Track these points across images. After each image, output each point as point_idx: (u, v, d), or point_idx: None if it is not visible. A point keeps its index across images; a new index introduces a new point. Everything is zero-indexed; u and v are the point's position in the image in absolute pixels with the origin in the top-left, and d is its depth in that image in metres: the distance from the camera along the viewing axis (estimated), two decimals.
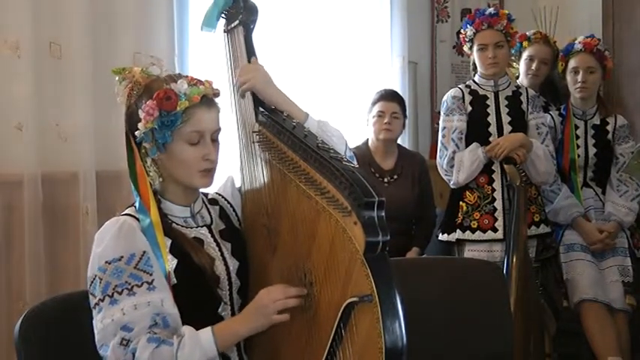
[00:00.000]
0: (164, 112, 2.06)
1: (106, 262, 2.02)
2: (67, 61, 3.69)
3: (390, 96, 4.37)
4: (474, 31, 4.06)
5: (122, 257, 2.02)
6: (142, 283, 2.01)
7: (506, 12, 4.13)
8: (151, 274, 2.03)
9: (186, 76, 2.15)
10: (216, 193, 2.40)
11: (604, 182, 4.38)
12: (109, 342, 1.98)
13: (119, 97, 2.17)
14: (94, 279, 2.03)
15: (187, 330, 2.01)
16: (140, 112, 2.07)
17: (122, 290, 1.99)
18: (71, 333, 2.25)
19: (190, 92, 2.08)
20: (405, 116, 4.39)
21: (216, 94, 2.19)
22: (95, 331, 2.02)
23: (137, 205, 2.12)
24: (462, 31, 4.18)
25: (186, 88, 2.08)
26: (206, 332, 2.01)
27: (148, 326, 1.98)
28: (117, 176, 3.64)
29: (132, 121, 2.13)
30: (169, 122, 2.07)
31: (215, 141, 2.18)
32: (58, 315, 2.29)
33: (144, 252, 2.04)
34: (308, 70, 4.83)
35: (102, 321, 1.99)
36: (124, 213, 2.15)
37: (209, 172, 2.17)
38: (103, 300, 2.00)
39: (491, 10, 4.10)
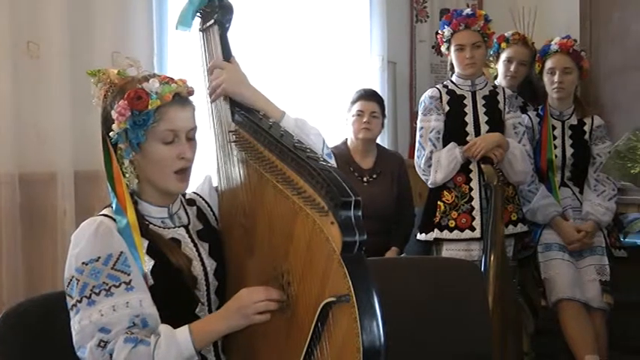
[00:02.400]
0: (136, 112, 2.05)
1: (83, 263, 2.01)
2: (45, 60, 3.68)
3: (369, 95, 4.38)
4: (451, 31, 4.08)
5: (99, 258, 2.02)
6: (120, 284, 2.00)
7: (484, 12, 4.14)
8: (128, 275, 2.02)
9: (159, 75, 2.15)
10: (194, 192, 2.39)
11: (581, 182, 4.40)
12: (86, 344, 1.97)
13: (95, 98, 2.17)
14: (71, 280, 2.03)
15: (164, 329, 2.01)
16: (113, 112, 2.07)
17: (100, 291, 1.99)
18: (49, 333, 2.24)
19: (162, 91, 2.08)
20: (384, 116, 4.40)
21: (190, 92, 2.19)
22: (73, 333, 2.01)
23: (114, 206, 2.11)
24: (439, 31, 4.19)
25: (158, 87, 2.08)
26: (183, 331, 2.01)
27: (126, 327, 1.98)
28: (95, 176, 3.63)
29: (107, 122, 2.12)
30: (141, 122, 2.06)
31: (191, 140, 2.17)
32: (36, 315, 2.28)
33: (121, 252, 2.04)
34: (287, 70, 4.83)
35: (80, 322, 1.99)
36: (100, 214, 2.14)
37: (184, 174, 2.17)
38: (80, 301, 1.99)
39: (468, 10, 4.12)
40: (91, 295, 1.99)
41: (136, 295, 2.02)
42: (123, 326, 1.97)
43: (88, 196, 3.73)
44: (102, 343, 1.96)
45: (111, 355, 1.94)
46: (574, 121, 4.42)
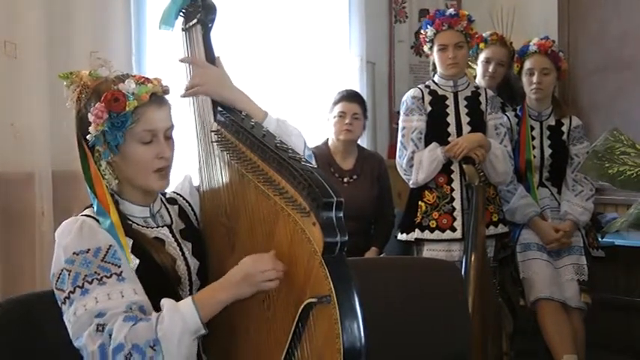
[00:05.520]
0: (113, 114, 2.04)
1: (74, 253, 2.00)
2: (23, 60, 3.64)
3: (351, 97, 4.38)
4: (434, 31, 4.08)
5: (89, 250, 2.01)
6: (111, 275, 1.99)
7: (466, 13, 4.14)
8: (119, 266, 2.01)
9: (134, 76, 2.13)
10: (174, 192, 2.39)
11: (559, 182, 4.42)
12: (84, 332, 1.93)
13: (69, 101, 2.15)
14: (62, 273, 2.01)
15: (166, 302, 1.98)
16: (89, 115, 2.06)
17: (92, 280, 1.97)
18: (27, 334, 2.23)
19: (138, 91, 2.07)
20: (365, 117, 4.40)
21: (166, 91, 2.17)
22: (68, 326, 1.98)
23: (95, 207, 2.10)
24: (421, 31, 4.18)
25: (134, 88, 2.07)
26: (187, 303, 1.98)
27: (123, 311, 1.95)
28: (74, 176, 3.57)
29: (83, 125, 2.10)
30: (119, 123, 2.05)
31: (169, 138, 2.17)
32: (14, 316, 2.26)
33: (110, 246, 2.03)
34: (267, 70, 4.82)
35: (75, 313, 1.96)
36: (82, 214, 2.12)
37: (165, 173, 2.16)
38: (73, 292, 1.97)
39: (451, 10, 4.13)
40: (83, 284, 1.96)
41: (129, 284, 2.00)
42: (120, 310, 1.94)
43: (66, 196, 3.69)
44: (100, 327, 1.92)
45: (110, 336, 1.91)
46: (552, 121, 4.44)
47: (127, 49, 4.01)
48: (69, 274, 1.99)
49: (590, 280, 4.24)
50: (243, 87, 2.32)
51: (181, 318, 1.94)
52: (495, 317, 4.11)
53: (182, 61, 2.36)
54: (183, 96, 2.31)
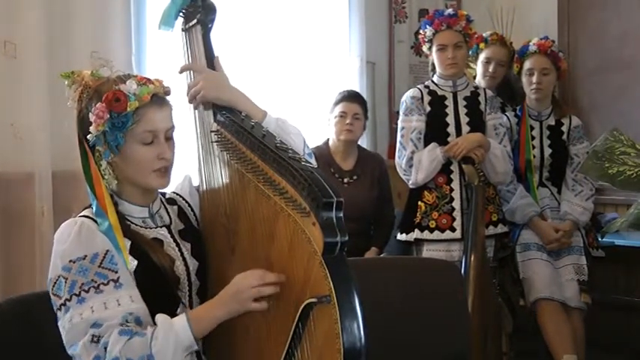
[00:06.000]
0: (114, 114, 2.04)
1: (71, 260, 2.00)
2: (23, 60, 3.64)
3: (352, 97, 4.38)
4: (433, 31, 4.08)
5: (86, 256, 2.01)
6: (109, 282, 1.99)
7: (465, 13, 4.15)
8: (116, 272, 2.01)
9: (136, 76, 2.13)
10: (174, 192, 2.38)
11: (559, 182, 4.42)
12: (78, 341, 1.95)
13: (70, 101, 2.15)
14: (58, 279, 2.01)
15: (161, 318, 1.99)
16: (90, 115, 2.05)
17: (89, 289, 1.97)
18: (27, 334, 2.23)
19: (140, 92, 2.06)
20: (366, 117, 4.40)
21: (167, 92, 2.17)
22: (63, 332, 1.99)
23: (94, 208, 2.09)
24: (420, 31, 4.19)
25: (136, 88, 2.06)
26: (181, 320, 1.99)
27: (119, 323, 1.96)
28: (73, 177, 3.58)
29: (84, 124, 2.10)
30: (120, 124, 2.05)
31: (170, 139, 2.16)
32: (14, 316, 2.27)
33: (107, 250, 2.03)
34: (267, 70, 4.82)
35: (70, 320, 1.96)
36: (81, 215, 2.12)
37: (165, 172, 2.16)
38: (70, 299, 1.97)
39: (450, 10, 4.13)
40: (80, 292, 1.97)
41: (125, 291, 2.00)
42: (116, 322, 1.95)
43: (66, 196, 3.68)
44: (95, 339, 1.93)
45: (105, 349, 1.92)
46: (552, 121, 4.44)
47: (127, 49, 4.00)
48: (65, 282, 1.99)
49: (590, 280, 4.25)
50: (244, 88, 2.31)
51: (175, 336, 1.96)
52: (495, 317, 4.11)
53: (182, 70, 2.36)
54: (195, 107, 2.32)
